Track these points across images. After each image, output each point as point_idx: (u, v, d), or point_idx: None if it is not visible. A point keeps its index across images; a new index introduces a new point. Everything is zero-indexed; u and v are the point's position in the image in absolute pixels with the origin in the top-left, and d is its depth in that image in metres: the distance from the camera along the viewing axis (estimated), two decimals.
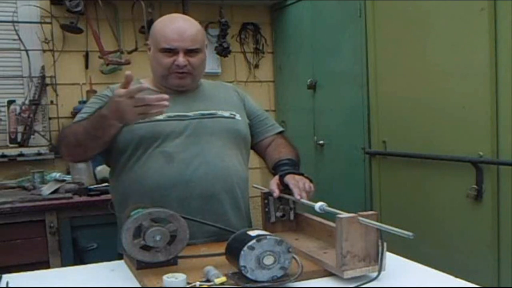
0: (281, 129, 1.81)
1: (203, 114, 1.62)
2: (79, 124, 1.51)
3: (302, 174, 1.55)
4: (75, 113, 2.95)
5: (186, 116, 1.60)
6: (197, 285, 1.13)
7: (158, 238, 1.24)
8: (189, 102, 1.64)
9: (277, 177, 1.56)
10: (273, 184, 1.53)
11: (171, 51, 1.57)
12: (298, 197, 1.44)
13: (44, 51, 2.97)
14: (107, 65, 3.04)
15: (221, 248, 1.26)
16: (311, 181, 1.52)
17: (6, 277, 1.31)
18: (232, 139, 1.64)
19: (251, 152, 1.78)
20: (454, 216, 2.20)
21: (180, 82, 1.61)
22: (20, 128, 2.89)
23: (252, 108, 1.78)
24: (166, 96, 1.34)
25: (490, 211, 2.04)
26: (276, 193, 1.51)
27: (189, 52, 1.58)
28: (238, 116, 1.68)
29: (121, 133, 1.56)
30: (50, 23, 2.95)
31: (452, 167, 2.18)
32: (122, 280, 1.29)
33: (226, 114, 1.66)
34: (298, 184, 1.47)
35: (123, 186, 1.59)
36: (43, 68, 2.94)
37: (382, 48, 2.55)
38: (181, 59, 1.57)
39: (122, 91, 1.32)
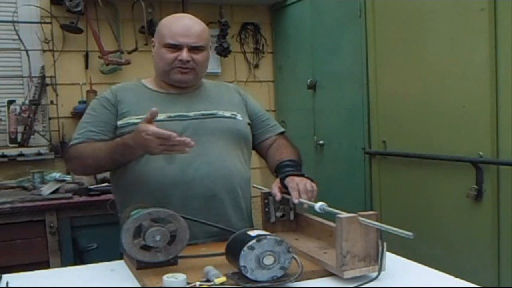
0: (282, 129, 1.81)
1: (203, 114, 1.62)
2: (98, 147, 1.53)
3: (303, 175, 1.55)
4: (75, 113, 2.96)
5: (187, 116, 1.60)
6: (197, 285, 1.13)
7: (158, 238, 1.24)
8: (190, 102, 1.64)
9: (278, 180, 1.56)
10: (275, 188, 1.54)
11: (176, 47, 1.58)
12: (296, 201, 1.44)
13: (44, 51, 2.97)
14: (107, 65, 3.04)
15: (221, 248, 1.26)
16: (312, 180, 1.52)
17: (6, 277, 1.31)
18: (233, 139, 1.64)
19: (252, 152, 1.78)
20: (454, 216, 2.20)
21: (182, 77, 1.61)
22: (20, 128, 2.89)
23: (254, 108, 1.78)
24: (192, 142, 1.35)
25: (490, 211, 2.04)
26: (278, 196, 1.52)
27: (193, 48, 1.59)
28: (239, 117, 1.68)
29: (123, 132, 1.56)
30: (50, 23, 2.95)
31: (452, 167, 2.18)
32: (122, 280, 1.29)
33: (227, 114, 1.66)
34: (298, 187, 1.47)
35: (125, 186, 1.59)
36: (43, 68, 2.94)
37: (382, 48, 2.55)
38: (184, 54, 1.57)
39: (151, 130, 1.33)
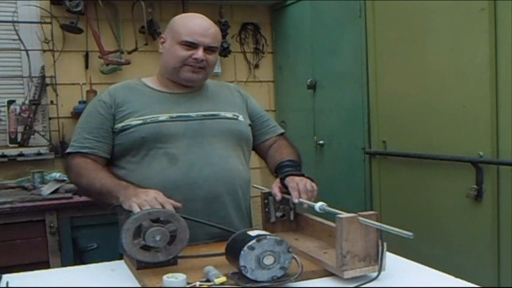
0: (282, 131, 1.82)
1: (205, 115, 1.62)
2: (99, 178, 1.49)
3: (303, 175, 1.55)
4: (75, 113, 2.96)
5: (189, 116, 1.60)
6: (197, 285, 1.13)
7: (158, 238, 1.24)
8: (192, 102, 1.64)
9: (278, 180, 1.56)
10: (275, 188, 1.54)
11: (192, 45, 1.58)
12: (296, 200, 1.44)
13: (44, 51, 2.96)
14: (107, 65, 3.04)
15: (221, 248, 1.26)
16: (312, 180, 1.52)
17: (6, 277, 1.31)
18: (235, 140, 1.64)
19: (251, 152, 1.78)
20: (454, 216, 2.20)
21: (192, 76, 1.61)
22: (20, 128, 2.89)
23: (255, 109, 1.78)
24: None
25: (490, 211, 2.04)
26: (278, 196, 1.52)
27: (208, 49, 1.59)
28: (240, 117, 1.68)
29: (124, 134, 1.56)
30: (50, 23, 2.94)
31: (452, 167, 2.18)
32: (122, 280, 1.29)
33: (229, 115, 1.66)
34: (298, 187, 1.47)
35: None
36: (43, 68, 2.94)
37: (382, 48, 2.55)
38: (200, 53, 1.58)
39: (161, 195, 1.33)
